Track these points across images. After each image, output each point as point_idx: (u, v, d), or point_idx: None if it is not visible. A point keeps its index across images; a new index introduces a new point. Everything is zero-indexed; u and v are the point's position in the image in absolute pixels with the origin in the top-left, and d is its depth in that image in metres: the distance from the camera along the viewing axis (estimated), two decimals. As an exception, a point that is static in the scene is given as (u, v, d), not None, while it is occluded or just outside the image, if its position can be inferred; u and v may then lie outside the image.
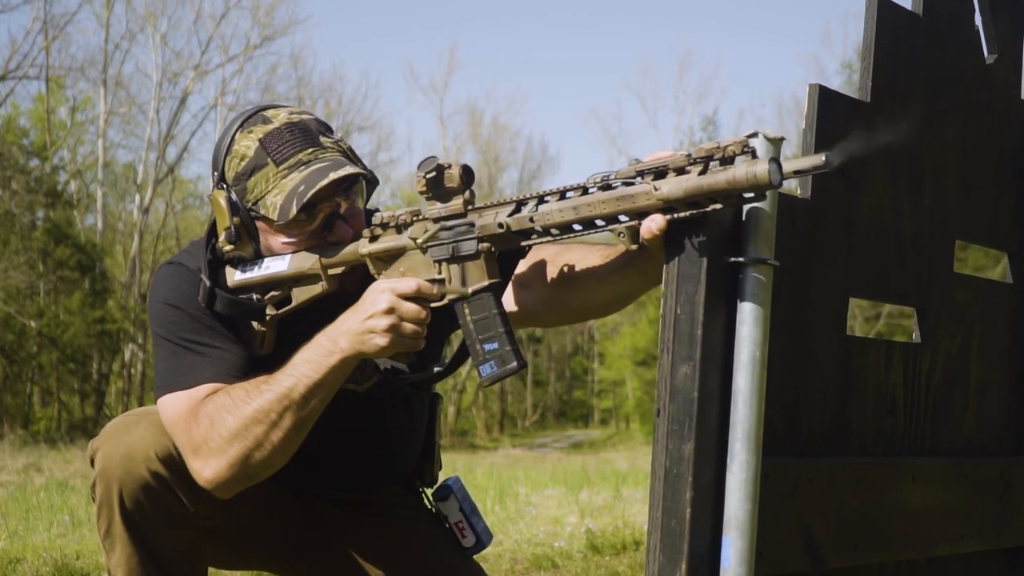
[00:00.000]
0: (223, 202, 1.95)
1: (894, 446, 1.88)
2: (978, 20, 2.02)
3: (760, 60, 69.05)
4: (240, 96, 30.16)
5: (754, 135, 1.51)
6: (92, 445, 1.99)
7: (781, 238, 1.57)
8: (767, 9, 68.02)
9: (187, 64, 29.80)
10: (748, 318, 1.53)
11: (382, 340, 1.82)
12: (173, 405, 1.91)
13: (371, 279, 1.92)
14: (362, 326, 1.83)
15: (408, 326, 1.82)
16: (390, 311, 1.82)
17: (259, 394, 1.86)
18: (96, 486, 1.95)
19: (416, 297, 1.83)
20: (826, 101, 1.69)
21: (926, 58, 1.89)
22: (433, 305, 1.85)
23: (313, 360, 1.86)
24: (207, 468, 1.86)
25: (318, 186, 1.88)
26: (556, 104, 70.65)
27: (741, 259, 1.53)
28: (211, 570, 2.22)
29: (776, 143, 1.51)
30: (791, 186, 1.53)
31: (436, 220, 1.83)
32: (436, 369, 1.99)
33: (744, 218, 1.55)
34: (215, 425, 1.85)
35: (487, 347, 1.79)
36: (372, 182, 2.05)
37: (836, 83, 28.05)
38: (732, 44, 67.75)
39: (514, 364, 1.79)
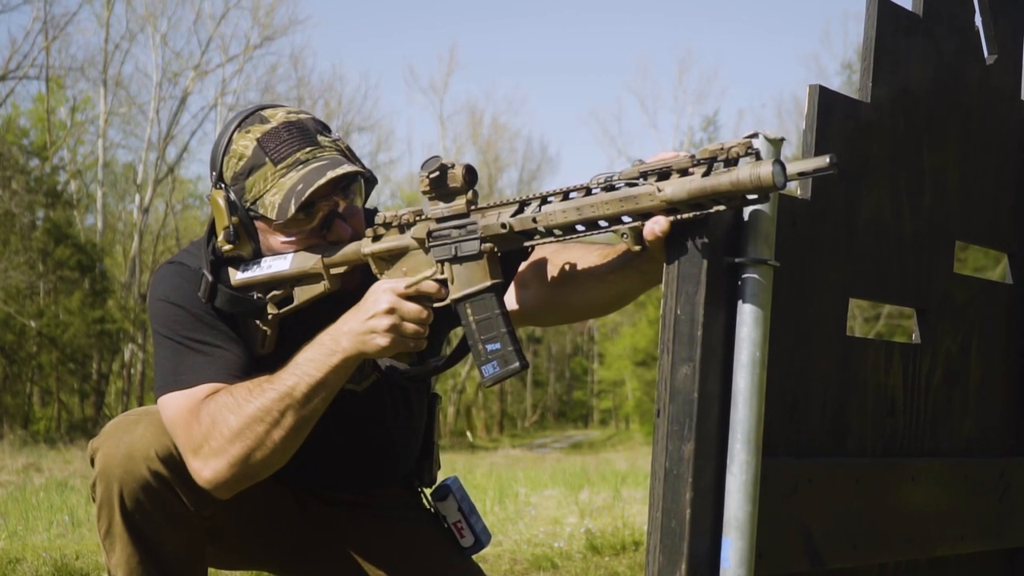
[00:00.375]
0: (221, 202, 1.95)
1: (894, 447, 1.88)
2: (978, 21, 2.02)
3: (760, 60, 69.09)
4: (240, 96, 30.18)
5: (754, 136, 1.51)
6: (92, 445, 1.99)
7: (781, 239, 1.57)
8: (767, 9, 68.06)
9: (187, 64, 29.84)
10: (748, 319, 1.53)
11: (383, 340, 1.82)
12: (174, 404, 1.91)
13: (371, 278, 1.92)
14: (364, 326, 1.83)
15: (409, 326, 1.82)
16: (391, 311, 1.82)
17: (261, 393, 1.86)
18: (96, 486, 1.95)
19: (417, 297, 1.83)
20: (826, 102, 1.69)
21: (926, 59, 1.89)
22: (435, 305, 1.85)
23: (315, 359, 1.86)
24: (207, 468, 1.86)
25: (316, 185, 1.88)
26: (556, 104, 70.70)
27: (741, 260, 1.53)
28: (211, 570, 2.22)
29: (776, 144, 1.51)
30: (791, 187, 1.52)
31: (439, 220, 1.83)
32: (434, 363, 1.99)
33: (744, 219, 1.55)
34: (217, 424, 1.85)
35: (489, 347, 1.79)
36: (371, 181, 2.05)
37: (836, 83, 28.08)
38: (732, 44, 67.80)
39: (516, 364, 1.79)
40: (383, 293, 1.83)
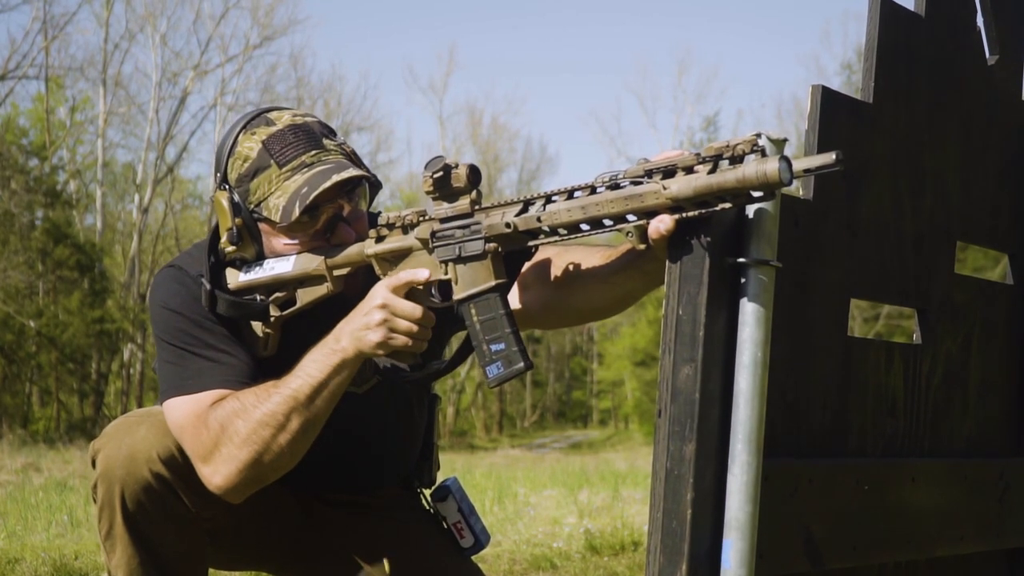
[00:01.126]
0: (225, 203, 1.95)
1: (894, 447, 1.88)
2: (980, 21, 2.02)
3: (760, 60, 69.06)
4: (239, 96, 30.21)
5: (757, 137, 1.51)
6: (93, 446, 1.99)
7: (783, 239, 1.57)
8: (767, 9, 68.02)
9: (186, 64, 29.85)
10: (750, 319, 1.52)
11: (375, 336, 1.82)
12: (181, 409, 1.90)
13: (376, 280, 1.92)
14: (359, 323, 1.83)
15: (402, 322, 1.81)
16: (383, 307, 1.82)
17: (268, 397, 1.86)
18: (98, 487, 1.95)
19: (412, 294, 1.83)
20: (828, 102, 1.69)
21: (928, 59, 1.89)
22: (437, 306, 1.85)
23: (318, 360, 1.86)
24: (217, 474, 1.86)
25: (321, 188, 1.88)
26: (555, 104, 70.64)
27: (743, 260, 1.53)
28: (211, 570, 2.22)
29: (780, 145, 1.50)
30: (793, 187, 1.52)
31: (442, 220, 1.82)
32: (436, 366, 1.99)
33: (746, 219, 1.55)
34: (226, 430, 1.85)
35: (494, 348, 1.79)
36: (375, 185, 2.04)
37: (835, 83, 28.02)
38: (731, 44, 67.77)
39: (521, 365, 1.78)
40: (377, 289, 1.84)
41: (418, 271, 1.83)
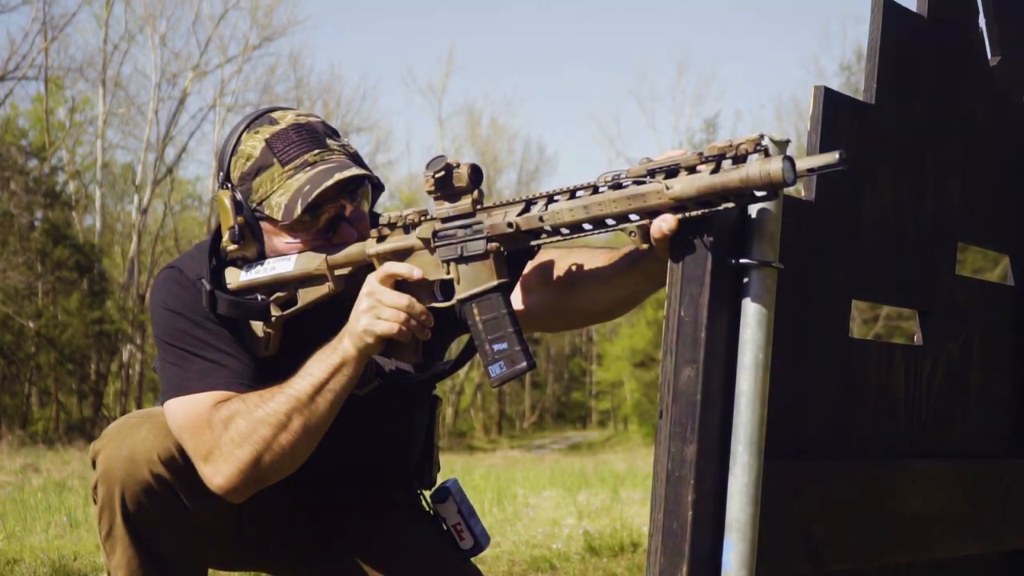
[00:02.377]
0: (228, 202, 1.95)
1: (895, 448, 1.88)
2: (982, 22, 2.02)
3: (759, 61, 69.08)
4: (239, 97, 30.19)
5: (761, 137, 1.50)
6: (94, 447, 1.99)
7: (785, 240, 1.57)
8: (766, 10, 68.06)
9: (186, 65, 29.82)
10: (752, 321, 1.52)
11: (360, 324, 1.82)
12: (182, 410, 1.90)
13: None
14: (353, 315, 1.83)
15: (387, 309, 1.81)
16: (369, 294, 1.83)
17: (271, 398, 1.86)
18: (98, 488, 1.95)
19: (401, 286, 1.83)
20: (831, 103, 1.69)
21: (930, 60, 1.89)
22: (439, 305, 1.84)
23: (321, 360, 1.87)
24: (218, 474, 1.86)
25: (323, 186, 1.88)
26: (554, 105, 70.65)
27: (745, 261, 1.53)
28: (211, 570, 2.22)
29: (782, 146, 1.50)
30: (794, 188, 1.52)
31: (444, 220, 1.82)
32: (441, 367, 1.98)
33: (749, 220, 1.54)
34: (228, 430, 1.85)
35: (496, 347, 1.79)
36: (378, 186, 2.04)
37: (834, 85, 27.90)
38: (730, 45, 67.79)
39: (524, 364, 1.78)
40: (366, 280, 1.84)
41: (402, 264, 1.84)
